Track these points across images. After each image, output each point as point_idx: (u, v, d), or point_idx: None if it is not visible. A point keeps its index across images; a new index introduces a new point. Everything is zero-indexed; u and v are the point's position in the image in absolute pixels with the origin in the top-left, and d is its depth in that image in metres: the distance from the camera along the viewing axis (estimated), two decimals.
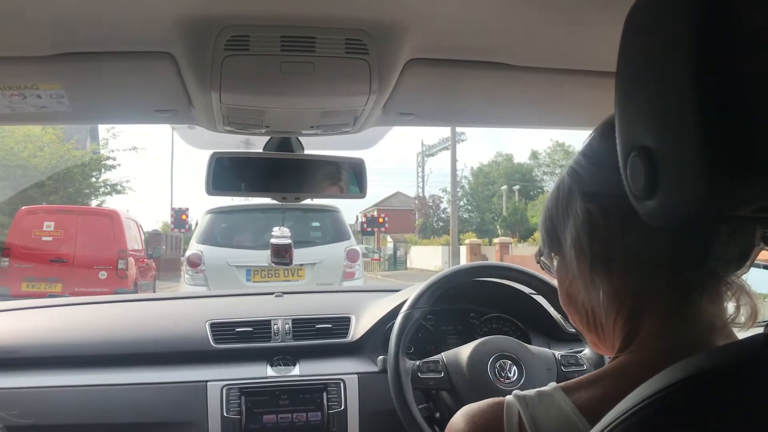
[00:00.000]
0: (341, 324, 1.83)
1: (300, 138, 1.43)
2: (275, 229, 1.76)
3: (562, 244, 0.75)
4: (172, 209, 13.84)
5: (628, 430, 0.50)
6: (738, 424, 0.46)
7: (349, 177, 1.47)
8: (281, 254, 1.71)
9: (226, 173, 1.40)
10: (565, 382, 0.69)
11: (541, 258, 0.82)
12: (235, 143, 1.65)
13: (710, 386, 0.48)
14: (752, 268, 0.67)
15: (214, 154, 1.38)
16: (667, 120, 0.49)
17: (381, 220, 18.55)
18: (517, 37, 1.08)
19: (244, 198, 7.31)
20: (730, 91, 0.44)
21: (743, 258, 0.65)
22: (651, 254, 0.67)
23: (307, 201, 1.58)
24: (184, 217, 12.78)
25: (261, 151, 1.44)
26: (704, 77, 0.45)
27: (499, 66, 1.15)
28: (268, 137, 1.43)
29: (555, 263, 0.80)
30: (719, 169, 0.45)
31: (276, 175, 1.42)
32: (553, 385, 0.69)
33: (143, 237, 11.49)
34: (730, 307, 0.68)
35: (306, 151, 1.45)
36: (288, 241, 1.72)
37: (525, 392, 0.69)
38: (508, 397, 0.70)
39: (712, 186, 0.45)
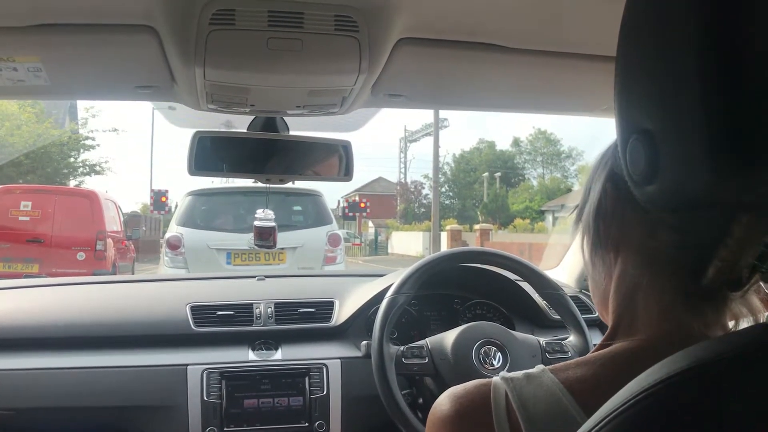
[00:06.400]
0: (324, 308, 1.81)
1: (285, 118, 1.40)
2: (259, 211, 1.73)
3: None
4: (152, 191, 13.72)
5: (629, 420, 0.49)
6: (743, 413, 0.45)
7: (336, 159, 1.44)
8: (264, 237, 1.68)
9: (209, 153, 1.37)
10: (553, 365, 0.68)
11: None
12: (217, 123, 1.61)
13: (714, 375, 0.47)
14: None
15: (197, 133, 1.34)
16: (669, 102, 0.47)
17: (363, 205, 18.51)
18: (510, 18, 1.06)
19: (224, 180, 7.23)
20: (735, 72, 0.43)
21: (740, 284, 0.61)
22: (652, 252, 0.66)
23: (289, 184, 1.55)
24: (163, 199, 12.66)
25: (245, 130, 1.41)
26: (709, 58, 0.43)
27: (493, 48, 1.13)
28: (253, 117, 1.40)
29: None
30: (723, 153, 0.43)
31: (260, 156, 1.39)
32: (540, 367, 0.69)
33: (122, 218, 11.36)
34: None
35: (291, 132, 1.42)
36: (272, 224, 1.69)
37: (512, 374, 0.68)
38: (495, 379, 0.68)
39: (714, 170, 0.44)
